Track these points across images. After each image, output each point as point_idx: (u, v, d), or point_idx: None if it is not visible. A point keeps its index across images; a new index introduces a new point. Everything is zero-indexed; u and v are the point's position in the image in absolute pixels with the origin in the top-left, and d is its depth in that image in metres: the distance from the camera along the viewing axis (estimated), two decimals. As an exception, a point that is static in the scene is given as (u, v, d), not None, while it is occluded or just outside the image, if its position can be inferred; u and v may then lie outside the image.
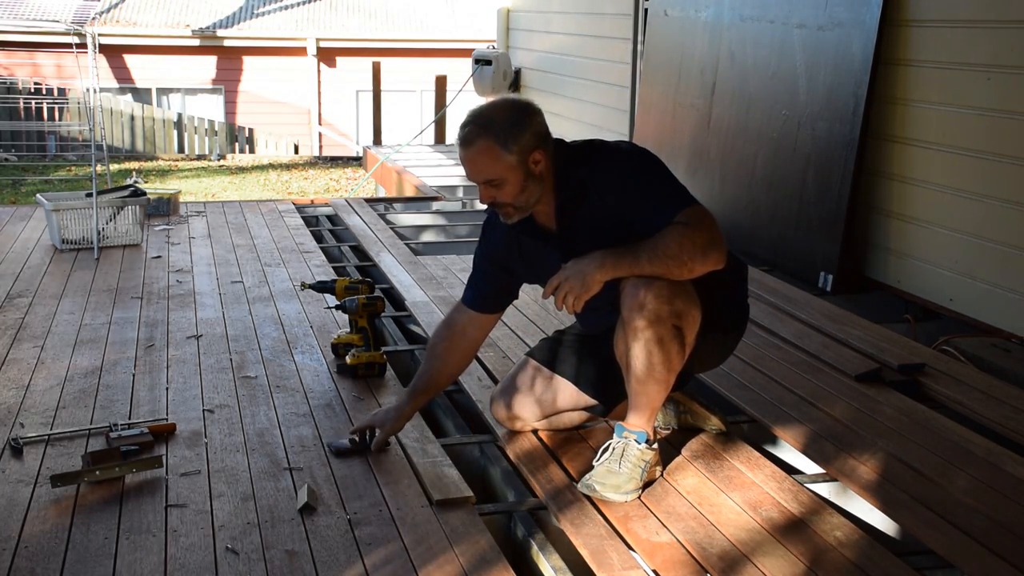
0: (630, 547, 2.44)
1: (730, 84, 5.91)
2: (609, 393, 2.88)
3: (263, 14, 17.39)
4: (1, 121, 13.42)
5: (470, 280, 2.99)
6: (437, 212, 6.91)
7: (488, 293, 2.95)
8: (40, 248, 5.54)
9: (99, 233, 5.45)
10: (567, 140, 2.76)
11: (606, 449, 2.70)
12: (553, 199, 2.68)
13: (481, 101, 12.30)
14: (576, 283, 2.54)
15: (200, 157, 15.06)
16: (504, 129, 2.58)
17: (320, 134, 17.38)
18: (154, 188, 6.84)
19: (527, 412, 2.99)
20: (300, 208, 6.83)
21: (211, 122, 15.93)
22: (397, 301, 4.68)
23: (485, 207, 2.84)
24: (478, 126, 2.59)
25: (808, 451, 3.01)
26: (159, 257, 5.36)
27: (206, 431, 3.13)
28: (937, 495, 2.72)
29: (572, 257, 2.60)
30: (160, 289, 4.75)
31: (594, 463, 2.72)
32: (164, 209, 6.42)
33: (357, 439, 2.97)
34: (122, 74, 16.62)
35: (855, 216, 4.95)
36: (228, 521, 2.56)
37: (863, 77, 4.80)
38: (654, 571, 2.35)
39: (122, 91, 16.49)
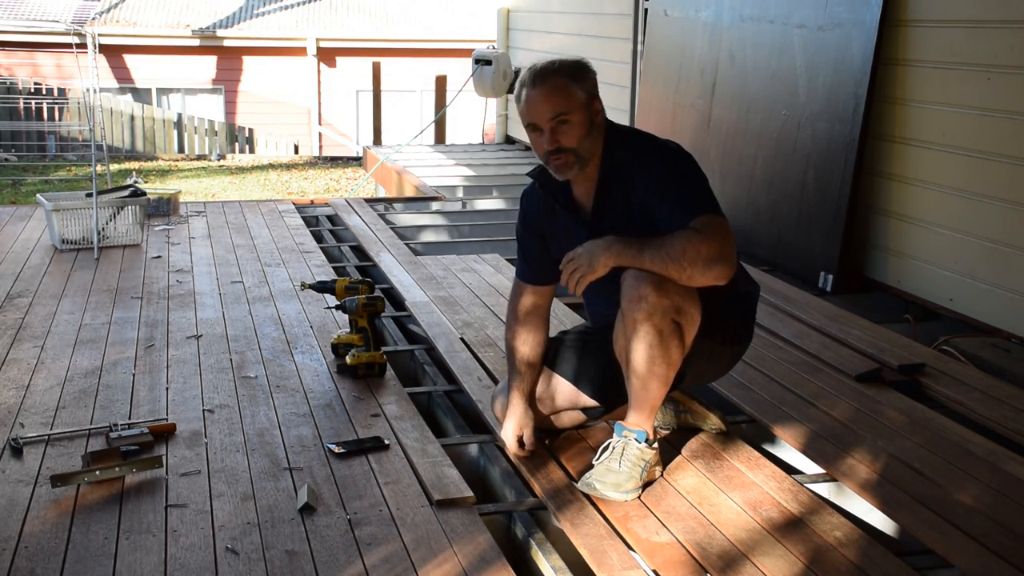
0: (630, 547, 2.44)
1: (730, 84, 5.91)
2: (608, 394, 2.87)
3: (263, 14, 17.39)
4: (1, 121, 13.42)
5: (518, 254, 3.03)
6: (437, 212, 6.91)
7: (533, 263, 2.96)
8: (40, 248, 5.53)
9: (99, 233, 5.45)
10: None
11: (606, 448, 2.71)
12: (596, 172, 2.72)
13: (481, 101, 12.15)
14: (584, 262, 2.60)
15: (200, 157, 15.05)
16: (573, 71, 2.68)
17: (320, 134, 17.38)
18: (154, 188, 6.83)
19: (527, 411, 2.99)
20: (300, 208, 6.83)
21: (211, 122, 15.93)
22: (397, 301, 4.68)
23: (527, 174, 2.91)
24: (547, 69, 2.66)
25: (808, 451, 3.01)
26: (159, 257, 5.36)
27: (206, 431, 3.13)
28: (937, 495, 2.72)
29: (595, 238, 2.64)
30: (160, 289, 4.75)
31: (594, 462, 2.72)
32: (164, 209, 6.42)
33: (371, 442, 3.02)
34: (122, 74, 16.63)
35: (855, 216, 4.95)
36: (228, 521, 2.56)
37: (863, 77, 4.80)
38: (654, 571, 2.35)
39: (122, 91, 16.49)
